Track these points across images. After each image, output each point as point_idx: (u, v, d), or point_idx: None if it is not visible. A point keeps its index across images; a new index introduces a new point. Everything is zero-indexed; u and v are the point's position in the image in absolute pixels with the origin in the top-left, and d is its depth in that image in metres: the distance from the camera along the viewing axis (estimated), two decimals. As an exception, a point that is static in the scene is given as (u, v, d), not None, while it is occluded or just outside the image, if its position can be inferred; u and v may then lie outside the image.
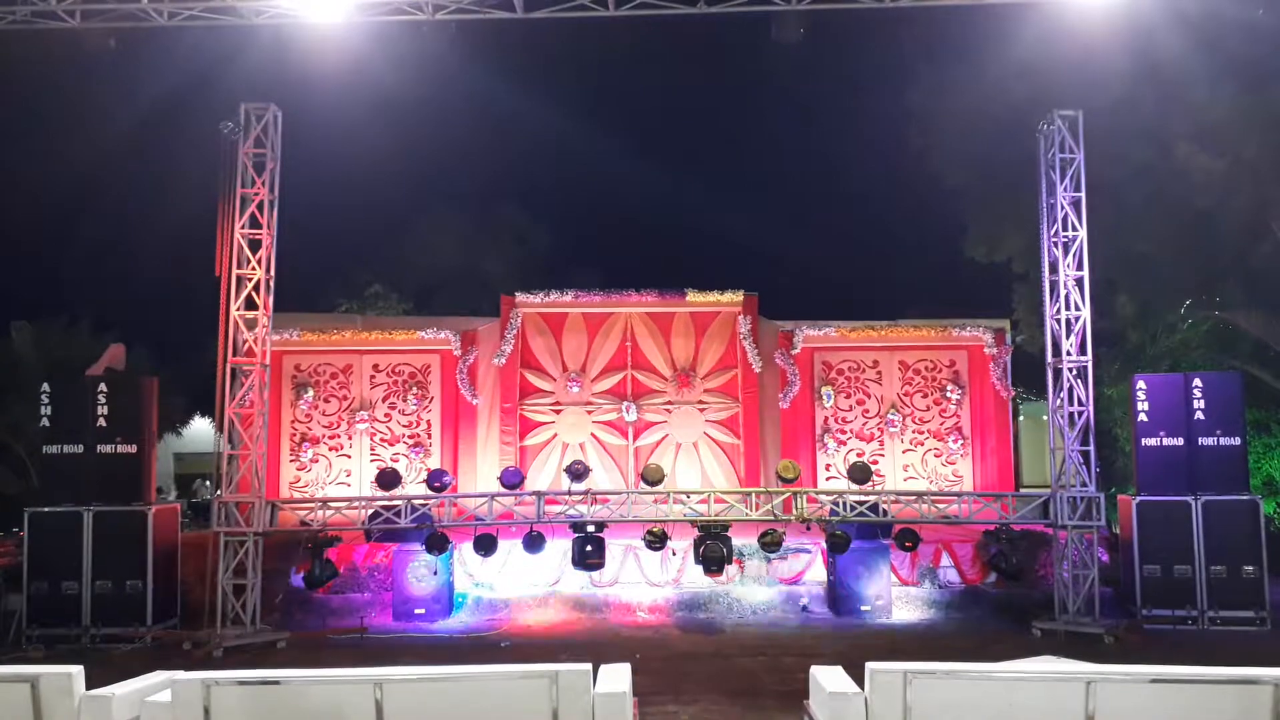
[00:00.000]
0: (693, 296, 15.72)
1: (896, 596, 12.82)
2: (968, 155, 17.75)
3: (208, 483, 17.90)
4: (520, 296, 15.71)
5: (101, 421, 12.23)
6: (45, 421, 12.33)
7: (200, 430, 22.98)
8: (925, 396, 15.62)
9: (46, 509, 11.95)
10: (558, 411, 15.65)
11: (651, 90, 26.86)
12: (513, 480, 12.71)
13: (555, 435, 15.61)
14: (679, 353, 15.78)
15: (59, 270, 24.18)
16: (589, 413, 15.64)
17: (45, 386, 12.50)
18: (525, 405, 15.60)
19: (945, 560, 13.20)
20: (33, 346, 19.55)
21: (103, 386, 12.38)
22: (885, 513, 12.35)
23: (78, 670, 5.18)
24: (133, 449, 12.25)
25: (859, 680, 5.44)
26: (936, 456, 15.45)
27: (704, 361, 15.74)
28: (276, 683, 5.06)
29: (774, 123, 27.91)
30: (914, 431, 15.55)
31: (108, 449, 12.19)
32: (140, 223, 22.67)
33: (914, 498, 12.74)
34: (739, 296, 15.67)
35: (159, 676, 5.52)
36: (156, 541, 11.95)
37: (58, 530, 11.82)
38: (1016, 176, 14.36)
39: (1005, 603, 12.76)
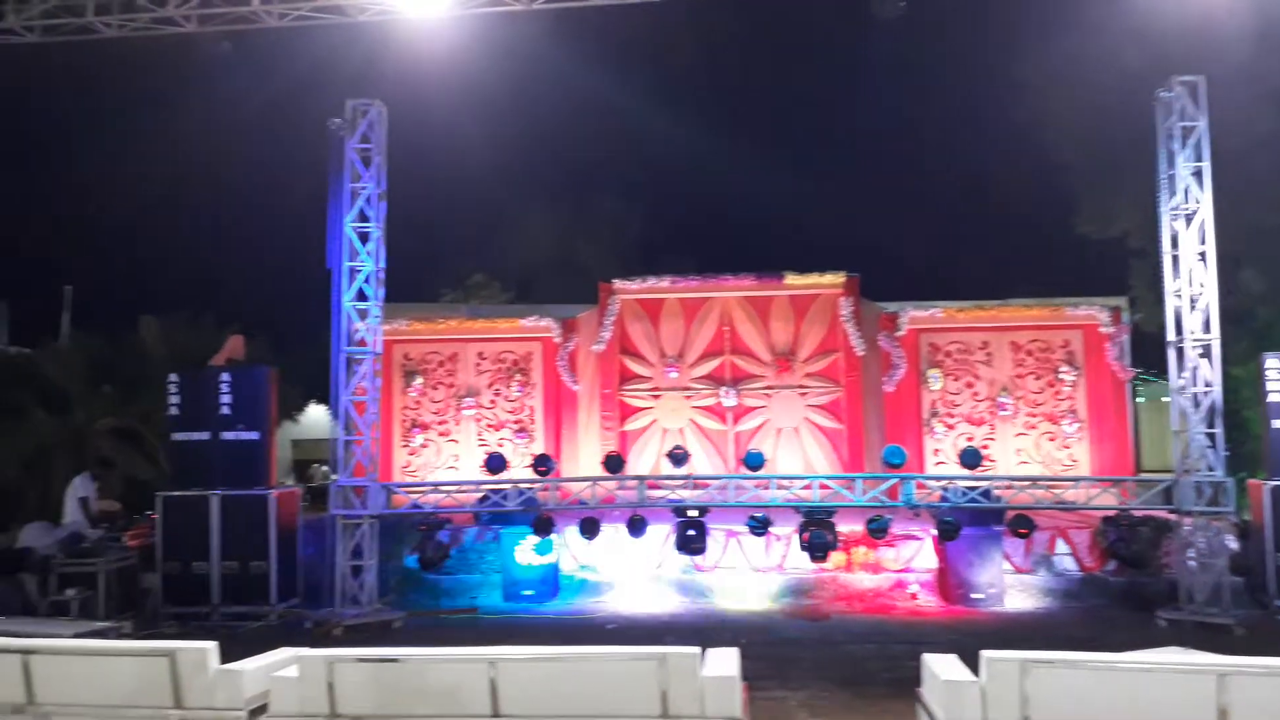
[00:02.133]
0: (791, 279, 15.51)
1: (1010, 584, 12.47)
2: (1079, 127, 17.06)
3: (324, 468, 18.58)
4: (618, 283, 15.78)
5: (225, 410, 12.78)
6: (173, 410, 12.96)
7: (316, 417, 23.83)
8: (1038, 378, 15.10)
9: (176, 493, 12.58)
10: (656, 397, 15.69)
11: (746, 73, 26.60)
12: (615, 465, 12.84)
13: (654, 420, 15.66)
14: (778, 336, 15.62)
15: (182, 267, 25.39)
16: (687, 398, 15.64)
17: (173, 377, 13.12)
18: (624, 391, 15.70)
19: (1061, 547, 12.78)
20: (160, 340, 20.57)
21: (225, 376, 12.95)
22: (997, 498, 12.03)
23: (212, 646, 5.45)
24: (255, 435, 12.76)
25: (973, 669, 5.32)
26: (1050, 440, 14.93)
27: (804, 345, 15.55)
28: (395, 660, 5.23)
29: (873, 101, 27.29)
30: (1026, 414, 15.05)
31: (231, 436, 12.73)
32: (257, 219, 23.63)
33: (1028, 483, 12.36)
34: (840, 278, 15.40)
35: (285, 653, 5.77)
36: (279, 524, 12.47)
37: (187, 513, 12.41)
38: (1131, 148, 13.73)
39: (1126, 591, 12.28)
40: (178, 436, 12.93)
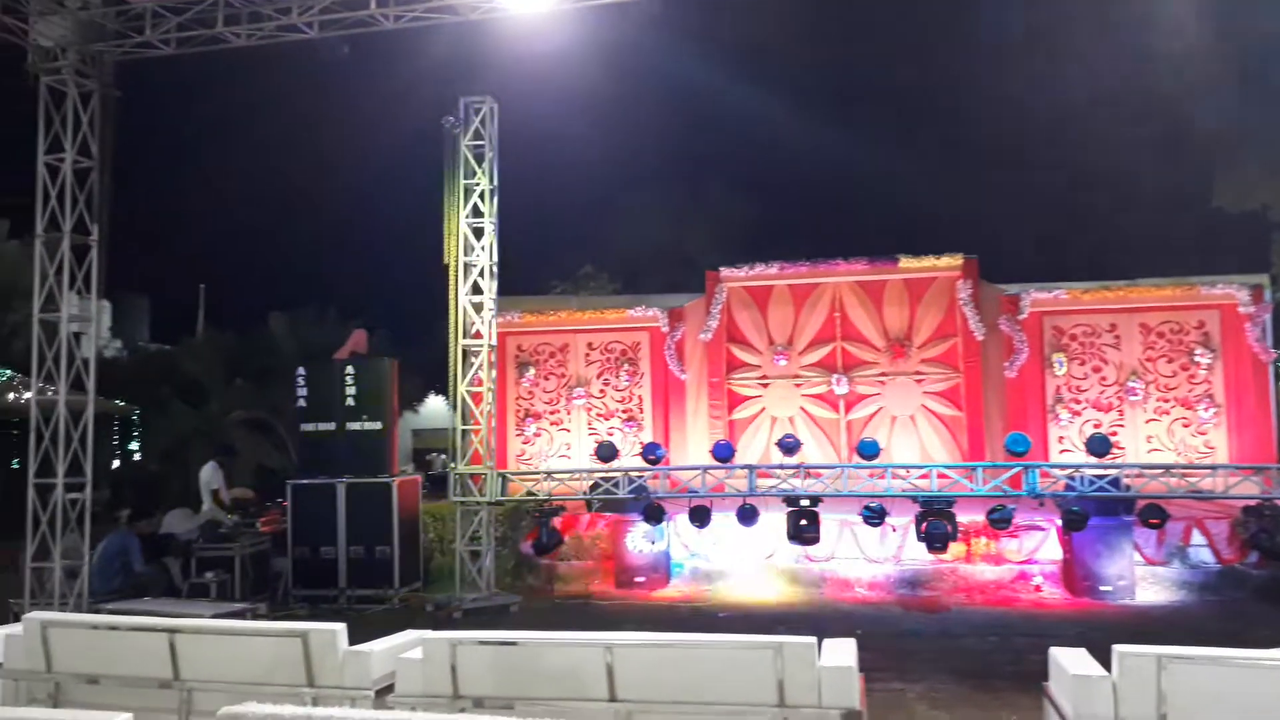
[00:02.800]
0: (906, 262, 15.12)
1: (1140, 576, 11.91)
2: (1211, 98, 16.11)
3: (442, 456, 19.12)
4: (725, 271, 15.69)
5: (350, 401, 13.27)
6: (301, 402, 13.53)
7: (435, 408, 24.59)
8: (1170, 361, 14.35)
9: (305, 481, 13.15)
10: (765, 385, 15.56)
11: (858, 55, 26.05)
12: (724, 453, 12.78)
13: (763, 409, 15.54)
14: (892, 322, 15.26)
15: (308, 264, 26.51)
16: (797, 386, 15.45)
17: (300, 370, 13.71)
18: (732, 379, 15.62)
19: (1197, 538, 12.14)
20: (288, 334, 21.55)
21: (350, 369, 13.43)
22: (1127, 487, 11.49)
23: (340, 627, 5.65)
24: (378, 425, 13.21)
25: (1103, 664, 5.11)
26: (1184, 426, 14.18)
27: (920, 330, 15.15)
28: (515, 644, 5.34)
29: (992, 79, 26.36)
30: (1158, 400, 14.33)
31: (356, 426, 13.21)
32: (377, 217, 24.52)
33: (1160, 471, 11.77)
34: (958, 260, 14.93)
35: (410, 635, 5.95)
36: (401, 511, 12.90)
37: (315, 500, 12.93)
38: (1268, 119, 12.89)
39: (1269, 585, 11.59)
40: (306, 427, 13.48)
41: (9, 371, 18.30)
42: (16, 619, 7.01)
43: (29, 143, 11.56)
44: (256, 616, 10.12)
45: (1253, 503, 11.46)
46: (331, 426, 13.25)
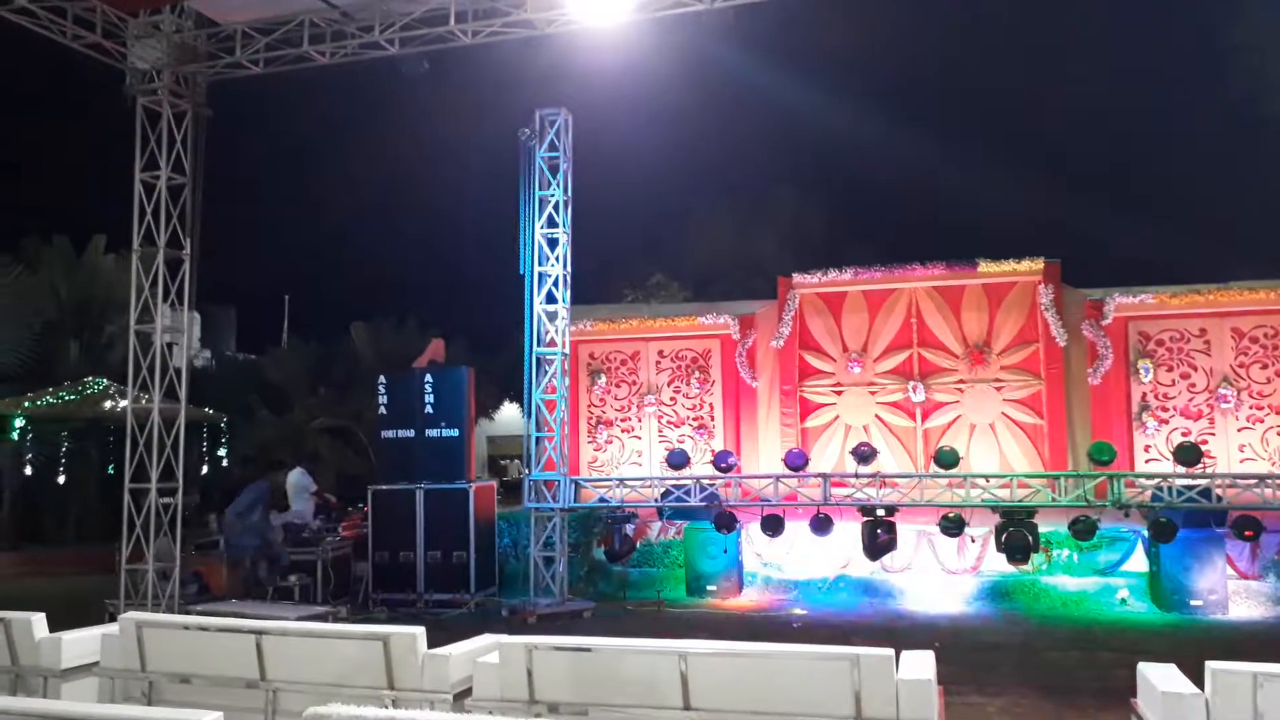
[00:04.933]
0: (985, 266, 14.79)
1: (1233, 591, 11.47)
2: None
3: (516, 462, 19.38)
4: (797, 277, 15.56)
5: (428, 409, 13.54)
6: (382, 410, 13.85)
7: (509, 415, 24.90)
8: (1265, 367, 13.77)
9: (385, 487, 13.44)
10: (839, 393, 15.38)
11: (936, 60, 25.71)
12: (797, 462, 12.70)
13: (837, 417, 15.34)
14: (970, 328, 14.96)
15: (388, 275, 27.14)
16: (872, 394, 15.23)
17: (381, 379, 14.04)
18: (805, 387, 15.48)
19: (1294, 552, 11.65)
20: (369, 344, 22.07)
21: (428, 377, 13.70)
22: (1219, 498, 11.08)
23: (420, 631, 5.76)
24: (455, 432, 13.44)
25: (1195, 681, 4.94)
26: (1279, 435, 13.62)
27: (999, 336, 14.82)
28: (589, 650, 5.39)
29: (1074, 80, 25.74)
30: (1251, 407, 13.76)
31: (434, 433, 13.47)
32: (454, 228, 25.02)
33: (1254, 481, 11.32)
34: (1039, 264, 14.56)
35: (487, 639, 6.03)
36: (477, 516, 13.10)
37: (395, 506, 13.21)
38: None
39: (1373, 603, 11.05)
40: (385, 434, 13.78)
41: (106, 380, 19.10)
42: (113, 619, 7.32)
43: (125, 161, 12.11)
44: (338, 619, 10.37)
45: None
46: (411, 433, 13.52)
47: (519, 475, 14.92)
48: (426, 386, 13.57)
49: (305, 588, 12.11)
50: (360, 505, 14.74)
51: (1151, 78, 21.44)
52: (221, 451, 22.32)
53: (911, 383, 15.00)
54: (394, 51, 11.79)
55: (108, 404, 18.61)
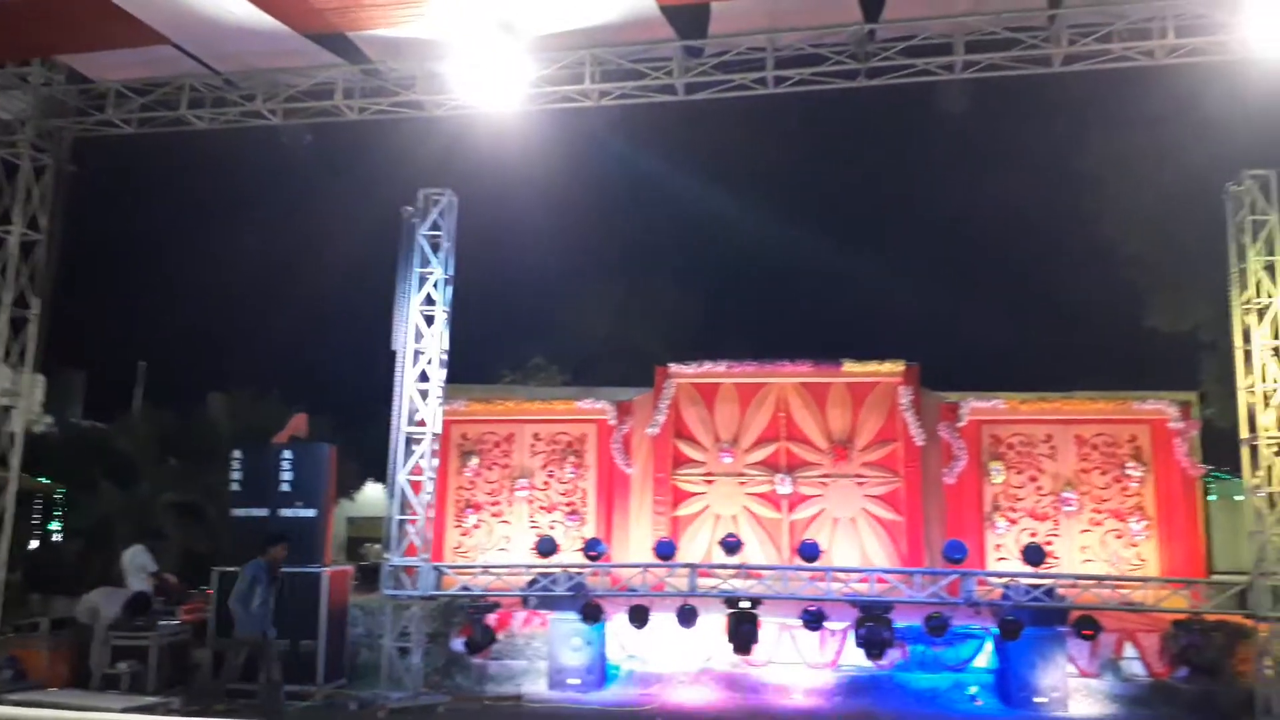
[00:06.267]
0: (849, 366, 15.41)
1: (1074, 688, 11.92)
2: (1146, 220, 16.91)
3: (376, 546, 18.67)
4: (674, 367, 15.84)
5: (285, 486, 12.96)
6: (235, 486, 13.18)
7: (371, 495, 24.06)
8: (1104, 473, 14.68)
9: (232, 569, 12.70)
10: (710, 482, 15.57)
11: (803, 159, 27.01)
12: (666, 551, 12.68)
13: (707, 506, 15.50)
14: (835, 424, 15.46)
15: (252, 345, 26.20)
16: (741, 484, 15.48)
17: (236, 453, 13.36)
18: (678, 475, 15.61)
19: (1129, 651, 12.23)
20: (227, 415, 21.08)
21: (287, 453, 13.14)
22: (1062, 597, 11.60)
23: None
24: (312, 513, 12.88)
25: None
26: (1117, 538, 14.43)
27: (862, 433, 15.35)
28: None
29: (936, 191, 27.44)
30: (1092, 510, 14.60)
31: (289, 512, 12.86)
32: (326, 302, 24.43)
33: (1093, 582, 11.92)
34: (899, 366, 15.26)
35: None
36: (330, 603, 12.50)
37: (241, 589, 12.50)
38: (1200, 242, 13.56)
39: (1200, 700, 11.64)
40: (238, 512, 13.09)
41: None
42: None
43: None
44: (169, 712, 9.64)
45: (1182, 616, 11.63)
46: (264, 512, 12.89)
47: (378, 560, 14.36)
48: (284, 463, 13.01)
49: (136, 676, 11.25)
50: (204, 588, 13.87)
51: (1010, 191, 23.05)
52: (54, 525, 20.76)
53: (779, 475, 15.32)
54: (276, 121, 11.64)
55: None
